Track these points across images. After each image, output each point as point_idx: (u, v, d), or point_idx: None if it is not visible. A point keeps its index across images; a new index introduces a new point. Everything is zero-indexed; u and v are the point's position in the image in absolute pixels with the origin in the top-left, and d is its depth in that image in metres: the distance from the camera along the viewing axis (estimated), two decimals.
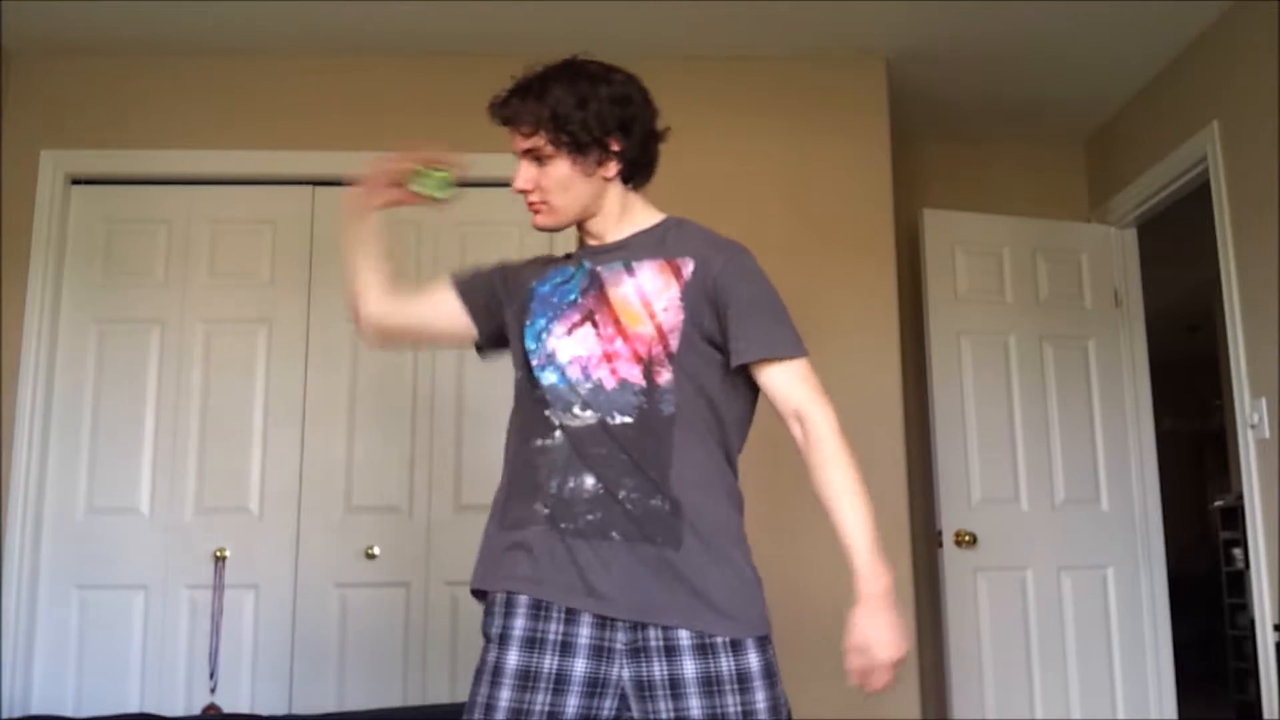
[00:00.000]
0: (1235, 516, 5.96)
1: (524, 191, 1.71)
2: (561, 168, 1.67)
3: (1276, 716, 3.16)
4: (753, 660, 1.56)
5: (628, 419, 1.60)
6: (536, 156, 1.68)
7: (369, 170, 1.84)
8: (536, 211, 1.72)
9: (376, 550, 3.48)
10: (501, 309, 1.81)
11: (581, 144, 1.66)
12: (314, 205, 3.67)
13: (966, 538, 3.84)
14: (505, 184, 3.94)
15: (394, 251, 1.91)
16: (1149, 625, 3.98)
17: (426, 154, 1.83)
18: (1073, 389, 4.09)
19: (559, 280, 1.74)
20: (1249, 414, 3.33)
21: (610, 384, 1.62)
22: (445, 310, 1.85)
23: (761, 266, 1.72)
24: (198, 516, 3.48)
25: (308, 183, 3.67)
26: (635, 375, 1.61)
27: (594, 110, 1.65)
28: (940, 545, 3.84)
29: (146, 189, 3.66)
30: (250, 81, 3.67)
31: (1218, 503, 7.21)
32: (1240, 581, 6.22)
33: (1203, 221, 3.59)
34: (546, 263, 1.82)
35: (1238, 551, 6.57)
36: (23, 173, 3.55)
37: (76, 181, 3.63)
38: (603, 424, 1.60)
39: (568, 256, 1.81)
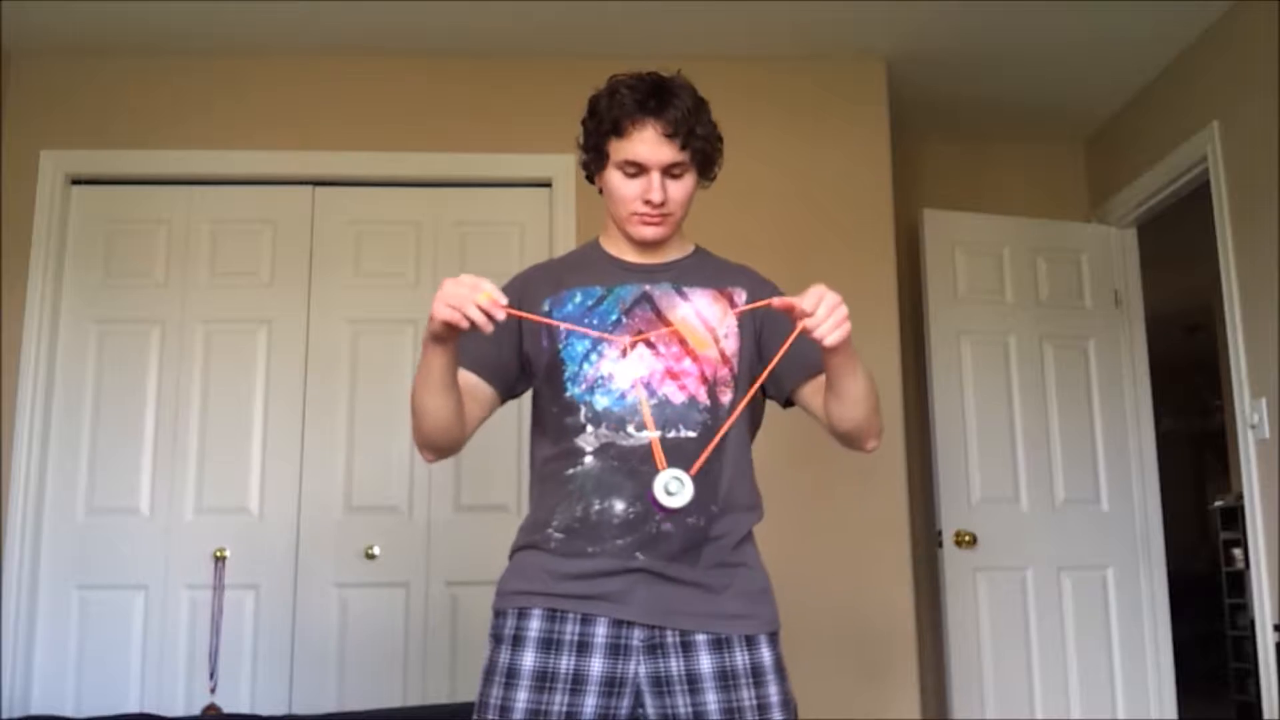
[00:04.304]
0: (1235, 516, 5.96)
1: (658, 205, 1.65)
2: (690, 182, 1.69)
3: (1276, 716, 3.16)
4: (765, 655, 1.61)
5: (692, 434, 1.63)
6: (674, 171, 1.66)
7: (471, 299, 1.44)
8: (657, 224, 1.69)
9: (376, 550, 3.48)
10: (516, 354, 1.72)
11: (706, 163, 1.70)
12: (314, 205, 3.67)
13: (966, 538, 3.84)
14: (506, 184, 3.96)
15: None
16: (1149, 625, 3.97)
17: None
18: (1073, 389, 4.09)
19: (587, 302, 1.69)
20: (1249, 414, 3.33)
21: (678, 399, 1.64)
22: (483, 397, 1.72)
23: (761, 269, 1.80)
24: (198, 516, 3.48)
25: (308, 183, 3.68)
26: (702, 394, 1.65)
27: (715, 131, 1.70)
28: (940, 545, 3.84)
29: (146, 189, 3.66)
30: (250, 81, 3.67)
31: (1218, 503, 7.21)
32: (1240, 581, 6.22)
33: (1203, 221, 3.59)
34: (549, 282, 1.74)
35: (1238, 551, 6.57)
36: (23, 173, 3.55)
37: (76, 181, 3.63)
38: (661, 440, 1.60)
39: (573, 275, 1.74)
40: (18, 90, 3.62)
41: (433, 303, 1.47)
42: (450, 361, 1.56)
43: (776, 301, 1.50)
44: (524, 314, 1.60)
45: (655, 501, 1.45)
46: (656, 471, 1.58)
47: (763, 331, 1.73)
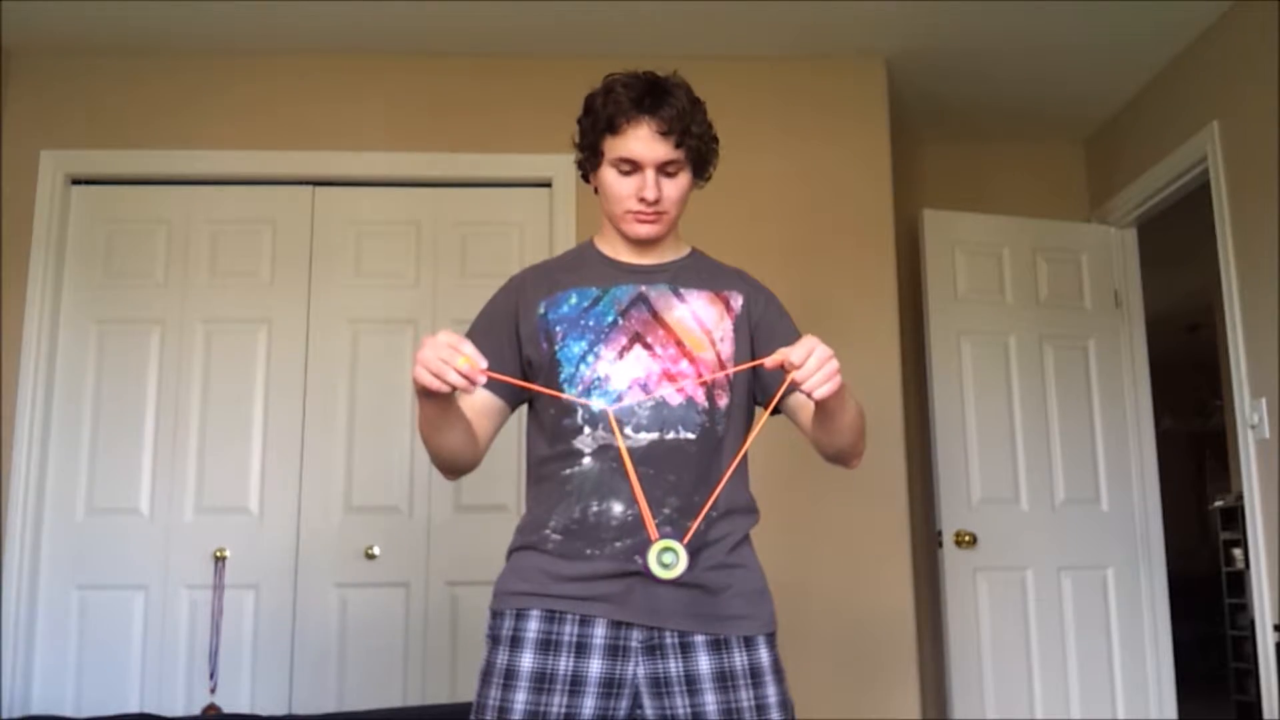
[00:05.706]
0: (1235, 516, 5.96)
1: (652, 202, 1.66)
2: (684, 181, 1.70)
3: (1276, 716, 3.16)
4: (764, 656, 1.61)
5: (690, 435, 1.63)
6: (669, 169, 1.67)
7: (451, 364, 1.43)
8: (651, 222, 1.69)
9: (376, 550, 3.48)
10: (519, 362, 1.71)
11: (700, 163, 1.70)
12: (314, 205, 3.67)
13: (966, 538, 3.84)
14: (505, 184, 3.96)
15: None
16: (1149, 625, 3.97)
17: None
18: (1073, 389, 4.09)
19: (582, 303, 1.69)
20: (1249, 414, 3.33)
21: (676, 400, 1.64)
22: (494, 411, 1.72)
23: (762, 270, 1.81)
24: (198, 516, 3.48)
25: (308, 183, 3.68)
26: (700, 395, 1.65)
27: (710, 132, 1.70)
28: (940, 545, 3.84)
29: (146, 189, 3.66)
30: (250, 81, 3.67)
31: (1218, 503, 7.21)
32: (1240, 582, 6.22)
33: (1203, 221, 3.59)
34: (544, 284, 1.74)
35: (1238, 552, 6.57)
36: (23, 173, 3.55)
37: (76, 181, 3.63)
38: (658, 442, 1.61)
39: (569, 276, 1.74)
40: (18, 90, 3.62)
41: (413, 364, 1.45)
42: (445, 407, 1.56)
43: (769, 361, 1.49)
44: (502, 377, 1.59)
45: (650, 574, 1.47)
46: (655, 474, 1.58)
47: (756, 337, 1.73)
